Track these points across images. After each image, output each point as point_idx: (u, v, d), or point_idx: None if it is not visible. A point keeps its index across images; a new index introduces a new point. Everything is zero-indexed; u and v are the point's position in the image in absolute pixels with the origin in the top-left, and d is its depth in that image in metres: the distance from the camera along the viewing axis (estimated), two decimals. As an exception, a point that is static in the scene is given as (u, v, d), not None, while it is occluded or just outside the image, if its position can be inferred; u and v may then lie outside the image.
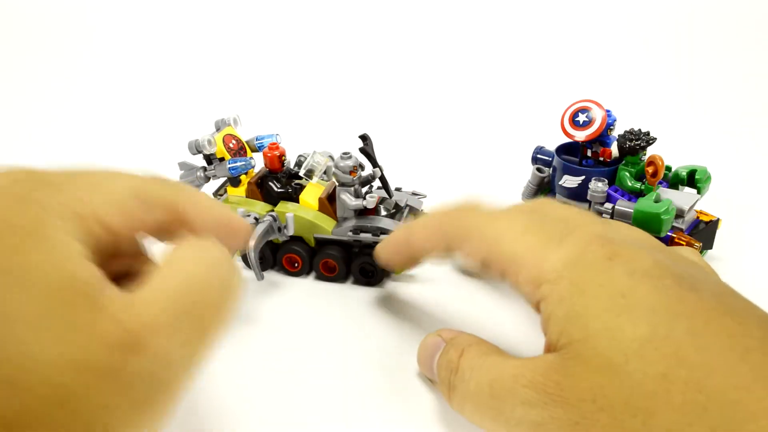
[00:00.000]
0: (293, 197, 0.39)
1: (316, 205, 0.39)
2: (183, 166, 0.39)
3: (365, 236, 0.38)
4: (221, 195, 0.41)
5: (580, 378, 0.21)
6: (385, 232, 0.37)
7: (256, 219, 0.37)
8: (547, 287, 0.24)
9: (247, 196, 0.40)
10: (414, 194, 0.42)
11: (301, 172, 0.38)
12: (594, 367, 0.21)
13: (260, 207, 0.39)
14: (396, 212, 0.39)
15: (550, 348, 0.23)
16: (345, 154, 0.37)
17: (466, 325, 0.35)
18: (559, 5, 0.85)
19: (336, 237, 0.38)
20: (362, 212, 0.38)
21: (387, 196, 0.40)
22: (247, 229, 0.28)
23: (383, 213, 0.39)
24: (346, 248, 0.39)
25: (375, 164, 0.38)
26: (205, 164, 0.41)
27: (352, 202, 0.37)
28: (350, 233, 0.38)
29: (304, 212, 0.38)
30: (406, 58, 0.79)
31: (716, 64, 0.76)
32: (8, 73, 0.76)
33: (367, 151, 0.38)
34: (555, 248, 0.25)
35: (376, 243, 0.36)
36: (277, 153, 0.39)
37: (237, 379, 0.32)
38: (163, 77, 0.76)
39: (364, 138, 0.38)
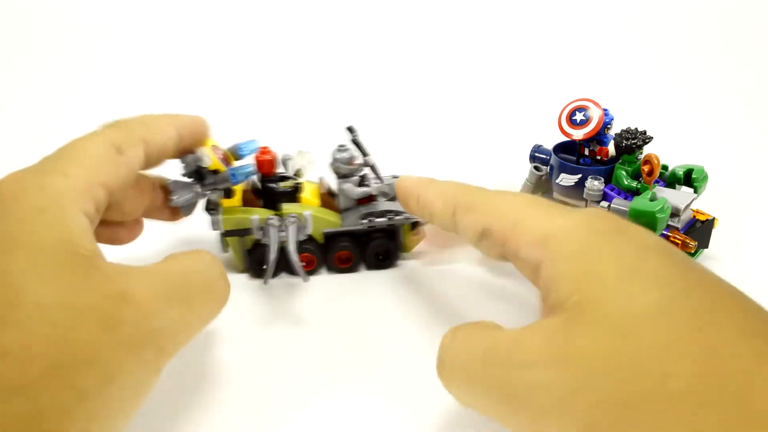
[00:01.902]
0: (294, 197, 0.39)
1: (318, 201, 0.39)
2: (176, 185, 0.36)
3: (380, 221, 0.39)
4: (214, 210, 0.38)
5: (590, 340, 0.20)
6: (398, 213, 0.39)
7: (272, 225, 0.37)
8: (554, 245, 0.24)
9: (243, 205, 0.39)
10: (394, 177, 0.41)
11: (291, 173, 0.38)
12: (606, 329, 0.20)
13: (260, 213, 0.38)
14: (394, 197, 0.39)
15: (554, 309, 0.22)
16: (341, 146, 0.38)
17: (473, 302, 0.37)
18: (557, 4, 0.85)
19: (348, 228, 0.39)
20: (361, 201, 0.39)
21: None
22: (201, 122, 0.34)
23: (382, 199, 0.39)
24: (356, 237, 0.39)
25: (365, 153, 0.39)
26: (193, 180, 0.37)
27: (357, 190, 0.38)
28: (364, 221, 0.39)
29: (313, 210, 0.38)
30: (405, 58, 0.79)
31: (714, 63, 0.76)
32: (8, 74, 0.76)
33: (358, 141, 0.38)
34: (561, 216, 0.25)
35: (391, 226, 0.39)
36: (269, 157, 0.38)
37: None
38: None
39: (351, 129, 0.38)
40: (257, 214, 0.37)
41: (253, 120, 0.65)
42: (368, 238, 0.40)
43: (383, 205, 0.39)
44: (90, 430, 0.21)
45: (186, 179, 0.36)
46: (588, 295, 0.21)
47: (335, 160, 0.38)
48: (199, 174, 0.36)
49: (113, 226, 0.33)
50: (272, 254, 0.36)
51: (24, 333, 0.20)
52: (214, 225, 0.38)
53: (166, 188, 0.36)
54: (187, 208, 0.37)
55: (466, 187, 0.31)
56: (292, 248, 0.36)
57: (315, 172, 0.39)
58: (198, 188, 0.36)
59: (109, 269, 0.23)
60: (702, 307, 0.20)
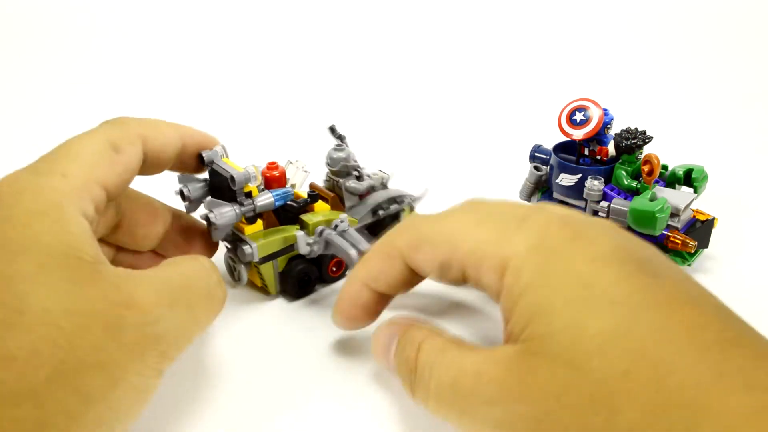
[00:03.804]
0: (305, 209, 0.38)
1: (329, 206, 0.39)
2: (212, 204, 0.33)
3: (395, 207, 0.40)
4: (238, 240, 0.35)
5: (544, 375, 0.21)
6: (401, 198, 0.40)
7: (329, 232, 0.35)
8: (509, 277, 0.23)
9: (266, 228, 0.36)
10: (379, 170, 0.41)
11: (288, 185, 0.37)
12: (558, 363, 0.21)
13: (291, 230, 0.36)
14: (384, 185, 0.40)
15: (510, 338, 0.23)
16: (338, 146, 0.38)
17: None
18: (556, 4, 0.85)
19: (364, 223, 0.39)
20: (360, 195, 0.39)
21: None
22: (211, 141, 0.34)
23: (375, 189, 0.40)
24: (370, 230, 0.40)
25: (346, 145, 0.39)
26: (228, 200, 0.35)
27: (362, 184, 0.38)
28: (378, 213, 0.39)
29: (333, 215, 0.37)
30: (405, 57, 0.79)
31: (714, 63, 0.76)
32: (9, 75, 0.76)
33: (342, 138, 0.38)
34: (514, 233, 0.24)
35: (400, 210, 0.40)
36: (276, 173, 0.36)
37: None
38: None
39: (333, 129, 0.38)
40: (293, 230, 0.36)
41: (249, 124, 0.65)
42: (382, 226, 0.40)
43: (382, 194, 0.39)
44: None
45: (221, 201, 0.34)
46: (538, 331, 0.22)
47: (333, 160, 0.38)
48: (217, 190, 0.34)
49: (131, 254, 0.33)
50: (352, 250, 0.34)
51: (31, 338, 0.20)
52: (248, 256, 0.34)
53: (179, 218, 0.35)
54: (221, 231, 0.34)
55: (401, 226, 0.29)
56: (364, 247, 0.35)
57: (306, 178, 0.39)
58: (236, 209, 0.33)
59: (112, 274, 0.23)
60: (651, 328, 0.20)
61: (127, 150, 0.28)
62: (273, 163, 0.36)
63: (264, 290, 0.37)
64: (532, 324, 0.22)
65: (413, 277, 0.28)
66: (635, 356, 0.20)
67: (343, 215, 0.37)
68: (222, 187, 0.34)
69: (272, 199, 0.35)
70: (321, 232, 0.36)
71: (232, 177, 0.33)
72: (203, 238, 0.36)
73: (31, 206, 0.23)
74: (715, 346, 0.20)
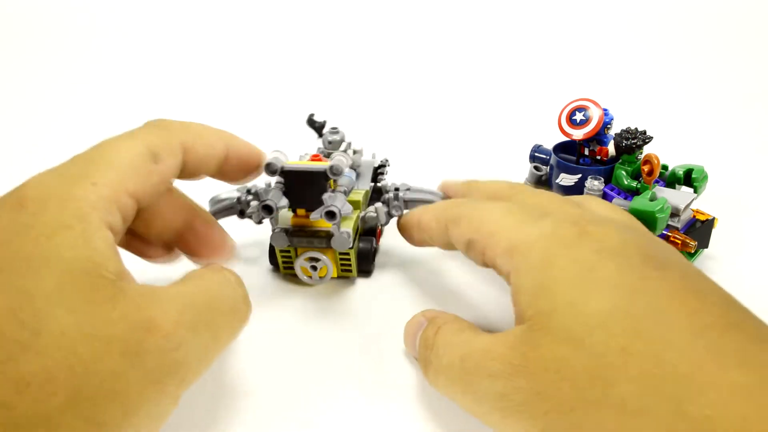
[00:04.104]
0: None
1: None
2: (332, 199, 0.33)
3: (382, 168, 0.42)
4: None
5: (546, 349, 0.22)
6: (384, 161, 0.42)
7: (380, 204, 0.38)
8: (518, 258, 0.25)
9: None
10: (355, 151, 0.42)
11: None
12: (559, 339, 0.22)
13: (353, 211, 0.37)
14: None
15: (518, 319, 0.24)
16: (333, 128, 0.39)
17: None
18: (556, 4, 0.85)
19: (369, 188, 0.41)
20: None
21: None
22: (256, 153, 0.31)
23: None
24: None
25: (321, 135, 0.40)
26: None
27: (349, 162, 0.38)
28: (377, 178, 0.41)
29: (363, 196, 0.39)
30: (404, 57, 0.79)
31: (714, 63, 0.76)
32: (10, 76, 0.76)
33: (315, 124, 0.40)
34: (531, 224, 0.27)
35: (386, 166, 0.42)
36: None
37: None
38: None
39: (312, 120, 0.40)
40: (355, 210, 0.37)
41: (256, 123, 0.65)
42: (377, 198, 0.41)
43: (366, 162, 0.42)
44: None
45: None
46: (541, 307, 0.23)
47: (330, 143, 0.39)
48: (297, 192, 0.33)
49: (141, 241, 0.31)
50: (435, 197, 0.38)
51: (46, 363, 0.19)
52: (347, 243, 0.34)
53: (197, 214, 0.32)
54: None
55: (454, 202, 0.33)
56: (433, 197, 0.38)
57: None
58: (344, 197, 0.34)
59: (134, 294, 0.22)
60: (650, 310, 0.21)
61: (166, 161, 0.27)
62: (317, 155, 0.37)
63: (342, 277, 0.38)
64: (536, 302, 0.23)
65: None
66: (633, 333, 0.21)
67: (379, 205, 0.38)
68: (303, 187, 0.33)
69: (353, 177, 0.37)
70: (389, 200, 0.38)
71: (332, 167, 0.32)
72: (220, 237, 0.34)
73: (56, 216, 0.22)
74: (714, 329, 0.20)
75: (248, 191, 0.38)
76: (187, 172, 0.29)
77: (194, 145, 0.28)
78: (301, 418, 0.29)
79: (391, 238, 0.41)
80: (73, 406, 0.19)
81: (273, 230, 0.35)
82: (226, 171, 0.31)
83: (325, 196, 0.33)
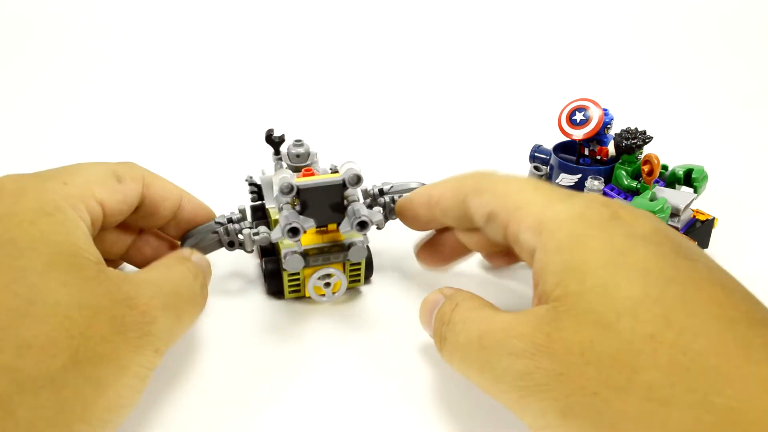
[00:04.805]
0: None
1: None
2: (359, 209, 0.33)
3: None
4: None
5: (571, 331, 0.21)
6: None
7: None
8: (547, 235, 0.25)
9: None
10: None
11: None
12: (586, 321, 0.21)
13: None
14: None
15: (542, 299, 0.24)
16: (297, 141, 0.37)
17: None
18: (556, 4, 0.85)
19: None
20: None
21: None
22: (208, 208, 0.36)
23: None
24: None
25: (278, 152, 0.39)
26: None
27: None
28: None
29: None
30: (405, 59, 0.79)
31: (713, 63, 0.76)
32: (12, 77, 0.76)
33: (274, 141, 0.38)
34: (560, 203, 0.26)
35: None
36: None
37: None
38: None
39: (270, 136, 0.38)
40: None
41: (249, 125, 0.65)
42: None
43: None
44: (107, 420, 0.23)
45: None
46: (570, 288, 0.23)
47: (298, 156, 0.37)
48: (316, 208, 0.32)
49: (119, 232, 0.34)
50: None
51: (45, 328, 0.21)
52: (364, 251, 0.34)
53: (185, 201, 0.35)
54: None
55: (476, 173, 0.31)
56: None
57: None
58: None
59: (114, 275, 0.25)
60: (680, 299, 0.21)
61: (128, 183, 0.30)
62: (309, 169, 0.35)
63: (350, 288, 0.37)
64: (564, 282, 0.23)
65: (463, 230, 0.33)
66: (662, 321, 0.20)
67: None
68: (321, 202, 0.32)
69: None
70: (386, 203, 0.38)
71: (356, 176, 0.31)
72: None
73: (34, 205, 0.24)
74: (742, 323, 0.20)
75: (230, 220, 0.36)
76: (145, 209, 0.32)
77: (153, 183, 0.32)
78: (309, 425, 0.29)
79: (379, 241, 0.41)
80: (74, 366, 0.21)
81: (284, 256, 0.33)
82: (179, 222, 0.34)
83: (352, 208, 0.32)
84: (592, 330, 0.21)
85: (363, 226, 0.32)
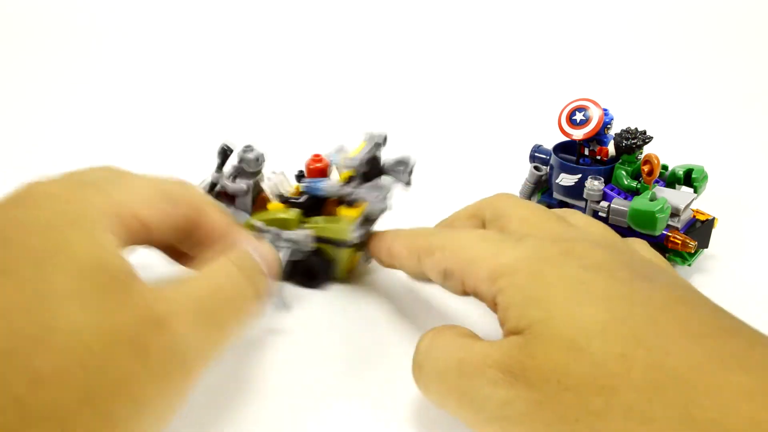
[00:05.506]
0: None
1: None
2: (373, 188, 0.35)
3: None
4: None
5: (543, 358, 0.21)
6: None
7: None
8: (504, 279, 0.25)
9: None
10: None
11: (271, 194, 0.37)
12: (556, 347, 0.21)
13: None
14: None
15: (510, 333, 0.24)
16: (247, 146, 0.37)
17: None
18: (556, 4, 0.85)
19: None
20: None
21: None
22: (247, 237, 0.31)
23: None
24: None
25: (221, 169, 0.38)
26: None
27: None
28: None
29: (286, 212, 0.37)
30: (405, 59, 0.79)
31: (713, 63, 0.76)
32: (14, 77, 0.76)
33: (227, 154, 0.38)
34: (510, 249, 0.26)
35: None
36: (320, 165, 0.36)
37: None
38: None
39: (224, 150, 0.38)
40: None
41: (250, 123, 0.65)
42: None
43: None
44: None
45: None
46: (535, 317, 0.23)
47: (257, 160, 0.36)
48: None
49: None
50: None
51: (60, 359, 0.19)
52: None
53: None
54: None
55: (427, 231, 0.32)
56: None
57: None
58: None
59: (143, 291, 0.22)
60: (646, 319, 0.21)
61: (181, 208, 0.27)
62: (317, 155, 0.36)
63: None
64: (527, 313, 0.23)
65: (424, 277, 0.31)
66: (632, 341, 0.20)
67: None
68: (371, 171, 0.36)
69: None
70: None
71: (375, 158, 0.35)
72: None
73: (61, 213, 0.23)
74: (710, 336, 0.20)
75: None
76: (193, 239, 0.29)
77: (208, 212, 0.29)
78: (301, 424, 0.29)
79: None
80: (87, 403, 0.20)
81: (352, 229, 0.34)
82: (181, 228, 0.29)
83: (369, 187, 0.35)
84: (566, 354, 0.21)
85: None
